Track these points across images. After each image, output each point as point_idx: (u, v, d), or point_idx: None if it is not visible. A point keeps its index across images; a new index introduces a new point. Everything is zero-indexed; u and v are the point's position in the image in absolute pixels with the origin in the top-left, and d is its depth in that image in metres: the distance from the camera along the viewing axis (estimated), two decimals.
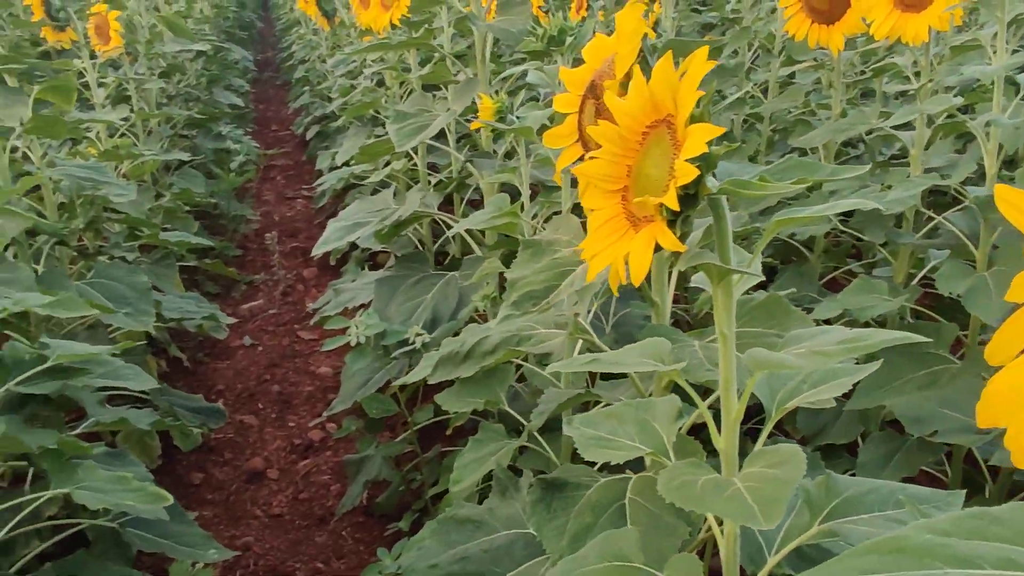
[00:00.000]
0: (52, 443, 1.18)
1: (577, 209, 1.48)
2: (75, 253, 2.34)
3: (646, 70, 0.93)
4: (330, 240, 1.90)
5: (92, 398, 1.69)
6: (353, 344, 1.72)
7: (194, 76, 4.91)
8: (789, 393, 0.69)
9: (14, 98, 1.94)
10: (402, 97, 3.28)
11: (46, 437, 1.22)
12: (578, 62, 1.03)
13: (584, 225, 1.03)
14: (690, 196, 0.55)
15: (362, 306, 2.42)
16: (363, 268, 2.89)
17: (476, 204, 2.80)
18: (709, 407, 0.77)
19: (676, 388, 1.11)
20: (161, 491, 1.17)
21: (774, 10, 2.54)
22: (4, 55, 2.39)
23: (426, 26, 2.12)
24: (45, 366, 1.21)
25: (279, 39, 10.65)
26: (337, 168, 4.02)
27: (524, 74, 1.54)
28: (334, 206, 4.44)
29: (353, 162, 2.52)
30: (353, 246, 3.56)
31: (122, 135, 3.37)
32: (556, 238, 0.99)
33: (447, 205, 2.50)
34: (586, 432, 0.73)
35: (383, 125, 3.70)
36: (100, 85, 3.09)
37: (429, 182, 2.63)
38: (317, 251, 1.92)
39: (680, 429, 0.75)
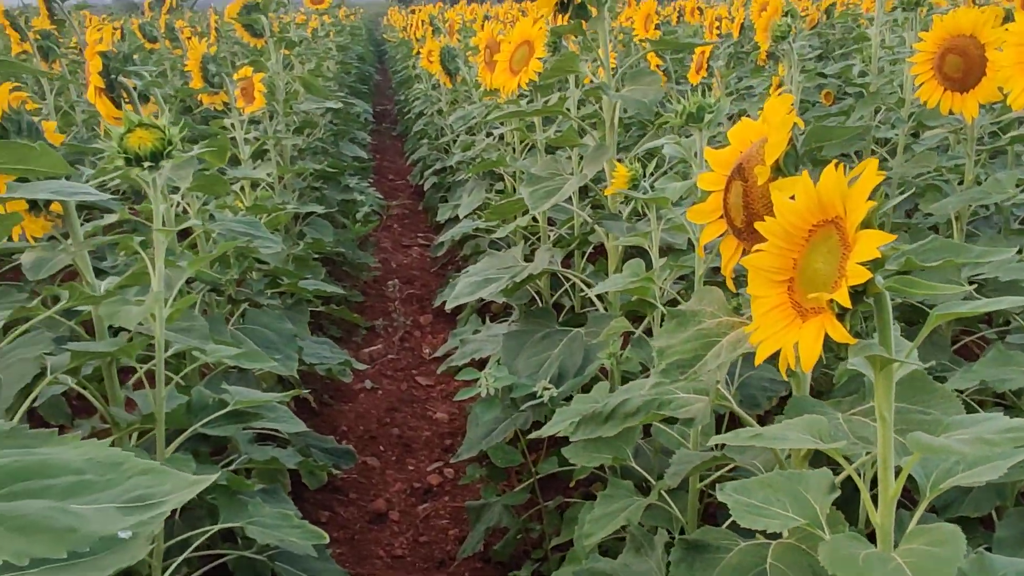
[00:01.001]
0: (223, 479, 1.30)
1: (709, 274, 1.53)
2: (224, 300, 2.54)
3: (792, 156, 0.98)
4: (462, 295, 2.00)
5: (244, 437, 1.83)
6: (483, 395, 1.80)
7: (323, 130, 5.21)
8: (944, 473, 0.72)
9: (186, 163, 2.14)
10: (523, 154, 3.41)
11: (215, 473, 1.34)
12: (713, 138, 1.09)
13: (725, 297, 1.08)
14: (858, 293, 0.60)
15: (485, 358, 2.53)
16: (483, 319, 2.99)
17: (592, 259, 2.88)
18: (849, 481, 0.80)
19: (815, 458, 1.14)
20: (319, 530, 1.27)
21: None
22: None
23: (559, 93, 2.22)
24: (226, 410, 1.34)
25: (395, 92, 11.15)
26: (455, 219, 4.21)
27: (642, 133, 1.61)
28: (451, 255, 4.61)
29: (481, 218, 2.63)
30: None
31: (262, 188, 3.62)
32: (700, 308, 1.04)
33: (567, 259, 2.58)
34: (740, 499, 0.78)
35: (502, 179, 3.86)
36: (246, 143, 3.35)
37: (548, 237, 2.73)
38: (451, 304, 2.03)
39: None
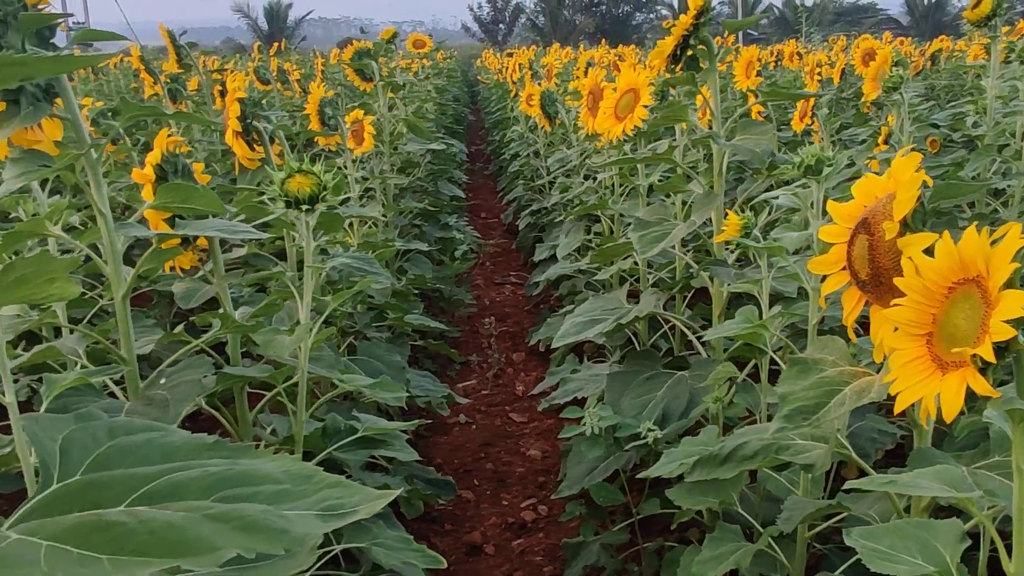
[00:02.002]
0: None
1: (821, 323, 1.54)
2: (335, 332, 2.66)
3: (920, 213, 1.01)
4: (568, 334, 2.06)
5: (356, 463, 1.92)
6: (588, 434, 1.85)
7: (423, 170, 5.40)
8: None
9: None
10: (621, 198, 3.47)
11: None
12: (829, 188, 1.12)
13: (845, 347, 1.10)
14: (1001, 349, 0.63)
15: (585, 397, 2.57)
16: (580, 359, 3.03)
17: (690, 304, 2.90)
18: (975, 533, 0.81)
19: (934, 510, 1.14)
20: (437, 554, 1.33)
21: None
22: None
23: (668, 141, 2.28)
24: (356, 436, 1.43)
25: (489, 132, 11.41)
26: (550, 259, 4.29)
27: (738, 179, 1.64)
28: (545, 294, 4.69)
29: (577, 259, 2.69)
30: None
31: (368, 225, 3.79)
32: (821, 357, 1.07)
33: (667, 303, 2.61)
34: (868, 544, 0.80)
35: (598, 222, 3.93)
36: (356, 182, 3.51)
37: (648, 280, 2.77)
38: (558, 343, 2.09)
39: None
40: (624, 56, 7.75)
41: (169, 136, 1.67)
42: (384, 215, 4.24)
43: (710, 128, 1.87)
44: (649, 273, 2.77)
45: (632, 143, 2.89)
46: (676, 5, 42.24)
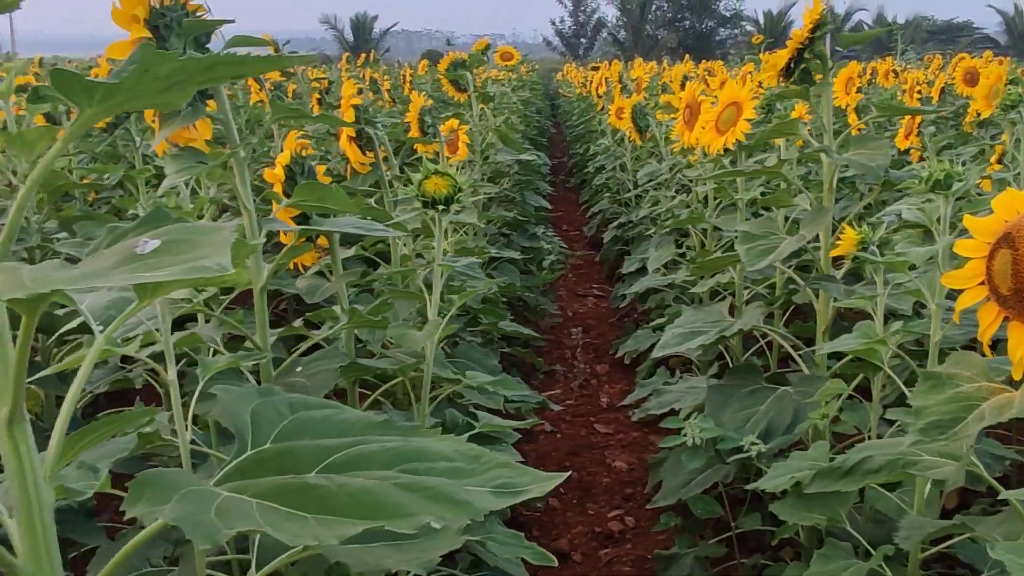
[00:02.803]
0: None
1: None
2: None
3: None
4: (668, 345, 2.06)
5: None
6: (689, 445, 1.84)
7: (510, 180, 5.46)
8: None
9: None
10: (716, 212, 3.45)
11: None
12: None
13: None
14: None
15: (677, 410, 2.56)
16: (673, 372, 3.02)
17: (790, 319, 2.86)
18: None
19: None
20: (547, 553, 1.36)
21: None
22: (398, 177, 2.87)
23: (776, 155, 2.27)
24: (474, 432, 1.47)
25: (571, 145, 11.46)
26: (637, 272, 4.28)
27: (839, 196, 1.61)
28: (631, 307, 4.68)
29: (665, 272, 2.69)
30: (652, 348, 3.75)
31: (460, 232, 3.86)
32: (956, 372, 1.06)
33: (767, 318, 2.59)
34: (1018, 561, 0.79)
35: (686, 236, 3.91)
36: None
37: (743, 295, 2.75)
38: (657, 353, 2.09)
39: None
40: (713, 71, 7.69)
41: (298, 139, 1.75)
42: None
43: (826, 143, 1.85)
44: (745, 288, 2.75)
45: (732, 157, 2.88)
46: (761, 21, 41.65)
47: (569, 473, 0.68)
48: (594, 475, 3.20)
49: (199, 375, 1.11)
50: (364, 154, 2.33)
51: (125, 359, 2.75)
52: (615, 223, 5.31)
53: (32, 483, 0.63)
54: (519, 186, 5.93)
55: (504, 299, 3.98)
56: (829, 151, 1.86)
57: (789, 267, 2.40)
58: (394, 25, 52.25)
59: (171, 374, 1.05)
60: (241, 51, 1.22)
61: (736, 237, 1.97)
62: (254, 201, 1.38)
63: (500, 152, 4.67)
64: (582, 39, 47.58)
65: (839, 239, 1.70)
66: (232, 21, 1.15)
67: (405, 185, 2.90)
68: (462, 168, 4.25)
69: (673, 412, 2.27)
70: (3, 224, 0.65)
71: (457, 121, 4.10)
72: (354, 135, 2.29)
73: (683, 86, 4.54)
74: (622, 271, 4.55)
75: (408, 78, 9.12)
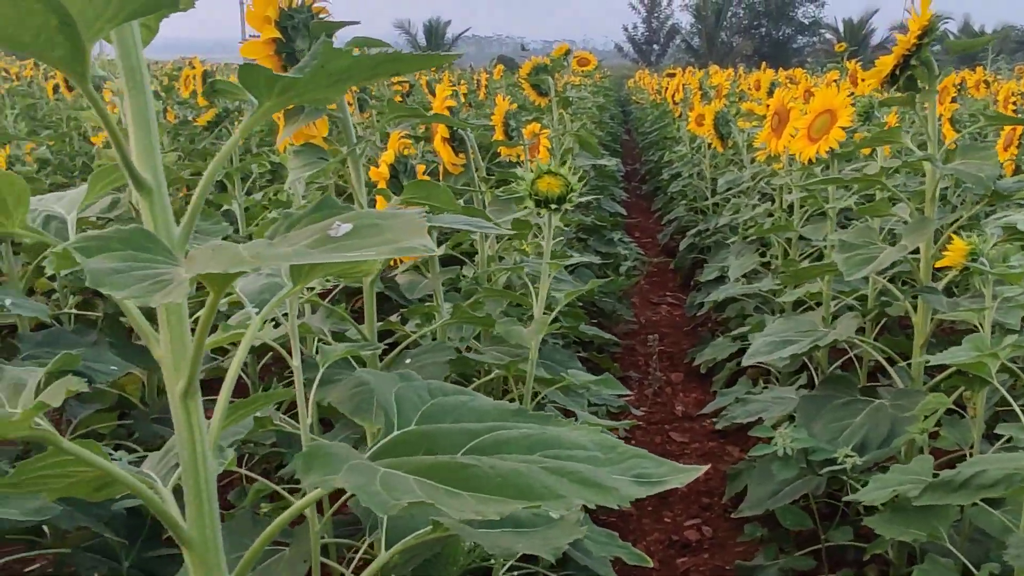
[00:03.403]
0: None
1: None
2: None
3: None
4: (759, 353, 2.04)
5: None
6: (780, 455, 1.83)
7: (587, 186, 5.47)
8: None
9: (504, 207, 2.38)
10: (802, 221, 3.39)
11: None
12: None
13: None
14: None
15: (756, 421, 2.53)
16: (756, 382, 2.99)
17: (881, 331, 2.80)
18: None
19: None
20: (643, 554, 1.37)
21: None
22: (484, 178, 2.91)
23: (879, 163, 2.23)
24: None
25: (642, 152, 11.39)
26: (714, 280, 4.24)
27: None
28: (707, 316, 4.63)
29: (766, 282, 2.66)
30: (731, 357, 3.71)
31: (537, 237, 3.89)
32: None
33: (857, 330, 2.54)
34: None
35: (766, 245, 3.86)
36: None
37: (831, 305, 2.70)
38: (746, 361, 2.07)
39: None
40: (796, 79, 7.56)
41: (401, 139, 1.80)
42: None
43: (931, 152, 1.82)
44: (833, 299, 2.70)
45: (821, 166, 2.83)
46: (841, 29, 40.69)
47: (708, 466, 0.69)
48: None
49: (319, 362, 1.15)
50: (456, 155, 2.37)
51: (216, 350, 2.86)
52: (692, 231, 5.26)
53: (200, 452, 0.67)
54: (595, 191, 5.93)
55: (580, 304, 3.99)
56: (935, 160, 1.82)
57: (886, 278, 2.36)
58: (466, 30, 52.76)
59: (296, 360, 1.09)
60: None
61: (829, 246, 1.94)
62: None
63: (579, 157, 4.68)
64: (655, 45, 47.24)
65: (944, 250, 1.66)
66: (357, 23, 1.20)
67: (493, 187, 2.93)
68: None
69: (757, 422, 2.25)
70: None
71: (539, 125, 4.14)
72: (448, 136, 2.33)
73: (771, 93, 4.48)
74: (699, 279, 4.51)
75: (483, 83, 9.21)
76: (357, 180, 1.35)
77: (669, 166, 7.41)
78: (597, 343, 4.20)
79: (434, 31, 46.71)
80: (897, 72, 1.89)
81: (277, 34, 1.23)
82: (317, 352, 1.33)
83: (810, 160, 2.67)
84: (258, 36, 1.28)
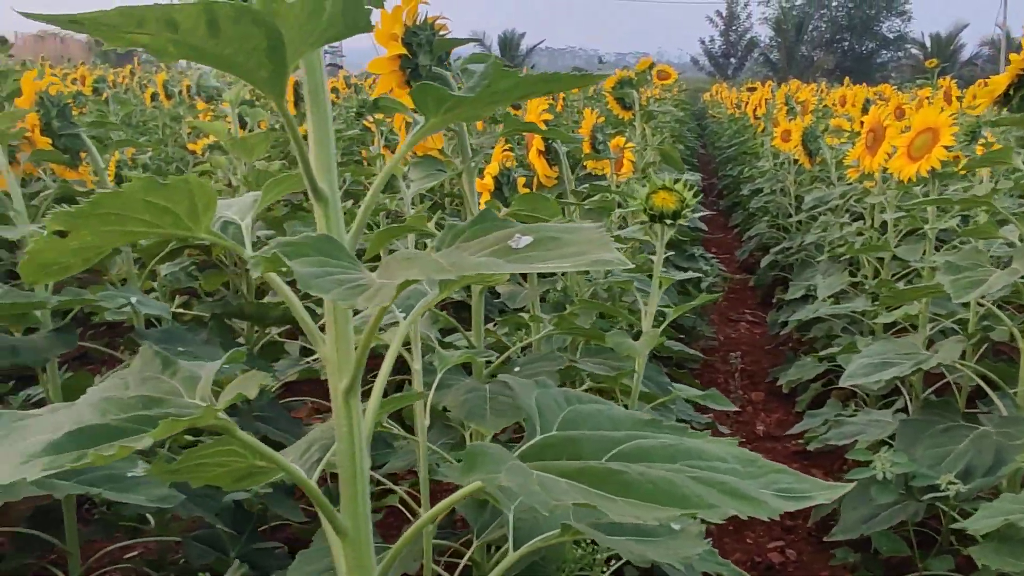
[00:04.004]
0: None
1: None
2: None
3: None
4: (856, 375, 2.01)
5: None
6: (879, 479, 1.79)
7: None
8: None
9: (595, 220, 2.39)
10: (898, 240, 3.32)
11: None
12: None
13: None
14: None
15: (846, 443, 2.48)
16: (847, 404, 2.93)
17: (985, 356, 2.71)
18: None
19: None
20: (743, 572, 1.36)
21: None
22: (574, 191, 2.94)
23: (990, 184, 2.17)
24: None
25: (719, 167, 11.27)
26: (800, 299, 4.17)
27: None
28: (789, 335, 4.55)
29: (859, 301, 2.61)
30: (817, 378, 3.64)
31: (621, 250, 3.89)
32: None
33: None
34: None
35: (856, 266, 3.77)
36: (619, 206, 3.63)
37: (927, 328, 2.63)
38: (845, 382, 2.04)
39: None
40: (884, 95, 7.38)
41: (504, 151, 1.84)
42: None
43: None
44: (930, 322, 2.63)
45: (921, 185, 2.77)
46: (928, 44, 39.49)
47: (853, 484, 0.69)
48: None
49: (437, 367, 1.19)
50: (551, 168, 2.40)
51: (306, 351, 2.96)
52: (774, 248, 5.18)
53: (358, 447, 0.71)
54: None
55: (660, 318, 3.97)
56: None
57: (993, 303, 2.29)
58: (540, 42, 53.03)
59: (417, 363, 1.13)
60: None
61: (926, 267, 1.90)
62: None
63: (662, 171, 4.67)
64: (732, 59, 46.65)
65: None
66: (479, 40, 1.24)
67: (582, 199, 2.96)
68: (628, 184, 4.28)
69: (851, 445, 2.20)
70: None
71: (623, 139, 4.15)
72: (543, 149, 2.37)
73: (865, 110, 4.39)
74: (781, 297, 4.44)
75: (561, 95, 9.25)
76: (471, 191, 1.39)
77: (749, 181, 7.31)
78: (676, 359, 4.17)
79: (509, 43, 47.13)
80: (1011, 91, 1.85)
81: (403, 50, 1.29)
82: (424, 356, 1.37)
83: (908, 179, 2.62)
84: (383, 52, 1.33)
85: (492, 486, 0.60)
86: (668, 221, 1.39)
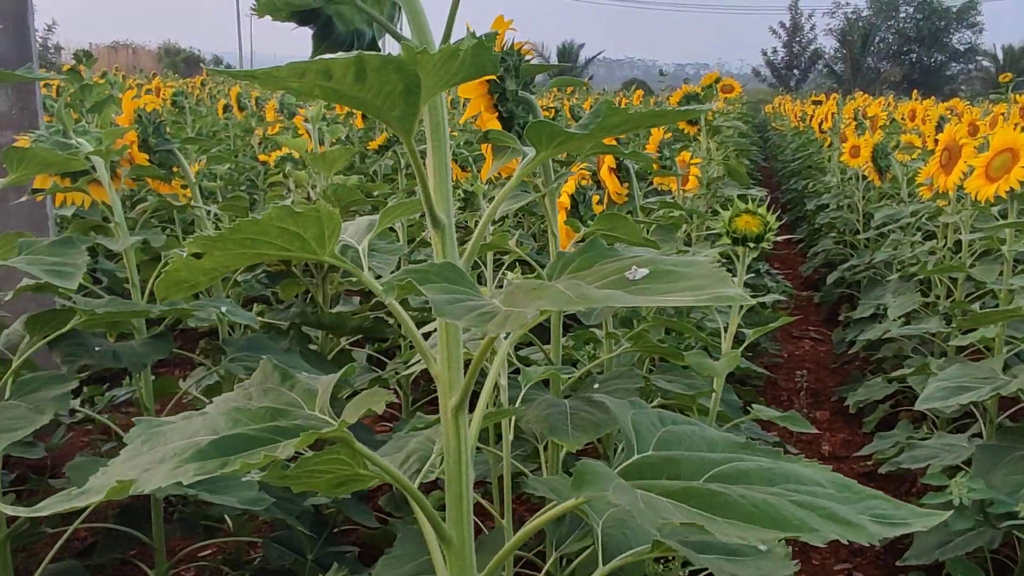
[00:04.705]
0: None
1: None
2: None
3: None
4: (933, 398, 1.98)
5: None
6: (956, 504, 1.77)
7: None
8: None
9: (667, 236, 2.40)
10: (973, 260, 3.25)
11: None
12: None
13: None
14: None
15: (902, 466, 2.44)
16: (919, 427, 2.88)
17: None
18: None
19: None
20: None
21: None
22: (642, 207, 2.96)
23: None
24: None
25: (782, 181, 11.12)
26: (869, 317, 4.10)
27: None
28: (855, 354, 4.48)
29: (933, 322, 2.57)
30: (886, 399, 3.58)
31: None
32: None
33: None
34: None
35: (925, 283, 3.70)
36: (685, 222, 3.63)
37: (1003, 352, 2.57)
38: (921, 405, 2.01)
39: None
40: (957, 110, 7.21)
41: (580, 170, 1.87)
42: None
43: None
44: (1007, 345, 2.58)
45: (1000, 205, 2.72)
46: (1001, 57, 38.29)
47: (950, 512, 0.71)
48: None
49: (521, 383, 1.23)
50: (621, 185, 2.43)
51: (371, 359, 3.03)
52: (841, 265, 5.10)
53: (465, 461, 0.75)
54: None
55: None
56: None
57: None
58: (599, 53, 53.00)
59: (503, 379, 1.17)
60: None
61: (1004, 289, 1.86)
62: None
63: (727, 186, 4.65)
64: (795, 70, 45.94)
65: None
66: (569, 65, 1.27)
67: (647, 214, 2.97)
68: (691, 199, 4.28)
69: (924, 469, 2.17)
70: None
71: (689, 154, 4.15)
72: (614, 166, 2.40)
73: (940, 127, 4.31)
74: (849, 315, 4.37)
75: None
76: (552, 212, 1.43)
77: (814, 196, 7.21)
78: (739, 376, 4.15)
79: (567, 54, 47.23)
80: None
81: (493, 75, 1.33)
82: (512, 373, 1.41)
83: (987, 200, 2.57)
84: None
85: (603, 503, 0.64)
86: (751, 244, 1.41)
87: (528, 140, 0.71)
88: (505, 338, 0.85)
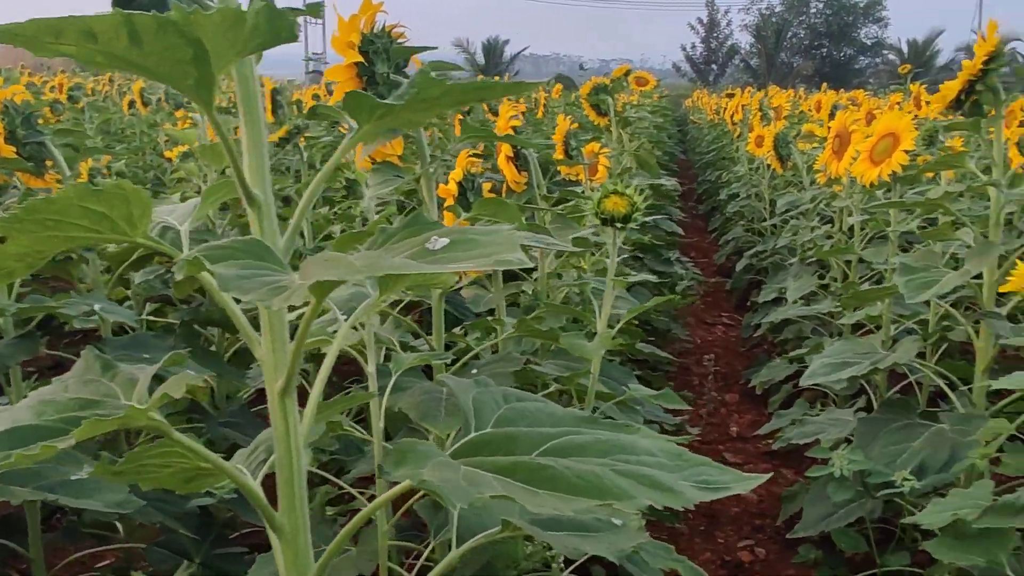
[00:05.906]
0: None
1: None
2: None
3: None
4: (816, 374, 2.05)
5: None
6: (836, 476, 1.83)
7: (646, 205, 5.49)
8: None
9: (565, 225, 2.42)
10: (863, 243, 3.37)
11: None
12: None
13: None
14: None
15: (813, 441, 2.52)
16: (813, 404, 2.97)
17: (942, 356, 2.77)
18: None
19: None
20: (699, 568, 1.39)
21: None
22: (545, 196, 2.97)
23: (943, 188, 2.22)
24: None
25: (699, 172, 11.35)
26: (772, 302, 4.22)
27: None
28: (762, 337, 4.60)
29: (825, 303, 2.66)
30: (788, 379, 3.68)
31: (595, 255, 3.92)
32: None
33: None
34: None
35: (825, 267, 3.83)
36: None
37: (890, 329, 2.68)
38: (805, 381, 2.07)
39: None
40: (858, 101, 7.48)
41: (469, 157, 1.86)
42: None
43: (995, 177, 1.81)
44: (893, 323, 2.68)
45: (884, 189, 2.82)
46: (905, 50, 39.93)
47: (771, 475, 0.72)
48: (723, 504, 3.16)
49: (391, 370, 1.21)
50: (519, 174, 2.43)
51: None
52: (749, 251, 5.23)
53: (294, 447, 0.73)
54: (652, 211, 5.94)
55: (635, 322, 4.00)
56: (1000, 185, 1.81)
57: (947, 303, 2.34)
58: (524, 49, 53.12)
59: (371, 366, 1.15)
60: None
61: (889, 269, 1.94)
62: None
63: (636, 176, 4.71)
64: (713, 65, 46.95)
65: (1009, 275, 1.65)
66: (435, 48, 1.26)
67: (554, 205, 2.98)
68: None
69: (814, 444, 2.24)
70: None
71: (598, 144, 4.18)
72: (512, 155, 2.40)
73: (832, 115, 4.45)
74: (756, 300, 4.48)
75: (542, 101, 9.29)
76: (429, 197, 1.41)
77: (727, 186, 7.38)
78: (651, 362, 4.21)
79: (492, 50, 47.17)
80: (962, 97, 1.89)
81: (360, 59, 1.31)
82: (385, 360, 1.39)
83: (872, 183, 2.66)
84: (341, 60, 1.35)
85: (416, 481, 0.62)
86: (619, 225, 1.42)
87: (348, 113, 0.69)
88: (346, 318, 0.83)
